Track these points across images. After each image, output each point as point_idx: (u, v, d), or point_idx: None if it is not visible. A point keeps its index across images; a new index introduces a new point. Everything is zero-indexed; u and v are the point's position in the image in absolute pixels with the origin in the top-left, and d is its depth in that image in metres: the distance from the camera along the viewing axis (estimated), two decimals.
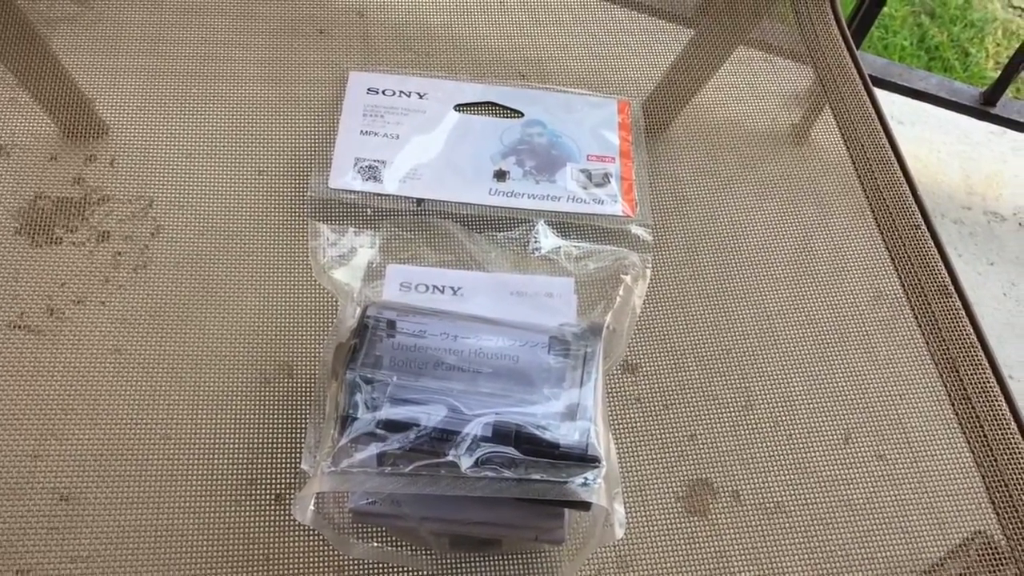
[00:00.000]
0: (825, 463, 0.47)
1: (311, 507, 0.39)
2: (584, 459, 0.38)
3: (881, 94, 1.04)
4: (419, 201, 0.52)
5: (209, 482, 0.43)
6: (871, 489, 0.46)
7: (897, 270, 0.53)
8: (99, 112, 0.55)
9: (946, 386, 0.50)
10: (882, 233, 0.55)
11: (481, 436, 0.38)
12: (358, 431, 0.38)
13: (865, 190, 0.57)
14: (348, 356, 0.40)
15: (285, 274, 0.50)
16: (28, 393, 0.45)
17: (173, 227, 0.51)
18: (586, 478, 0.37)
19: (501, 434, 0.38)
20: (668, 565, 0.43)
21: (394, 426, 0.38)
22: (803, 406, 0.49)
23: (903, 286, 0.53)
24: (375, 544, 0.42)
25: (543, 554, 0.42)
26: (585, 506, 0.38)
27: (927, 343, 0.51)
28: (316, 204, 0.52)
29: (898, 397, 0.49)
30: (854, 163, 0.58)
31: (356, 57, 0.59)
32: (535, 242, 0.50)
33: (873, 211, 0.56)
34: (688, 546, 0.44)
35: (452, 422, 0.38)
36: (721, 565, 0.44)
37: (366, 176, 0.52)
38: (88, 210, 0.51)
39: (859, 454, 0.47)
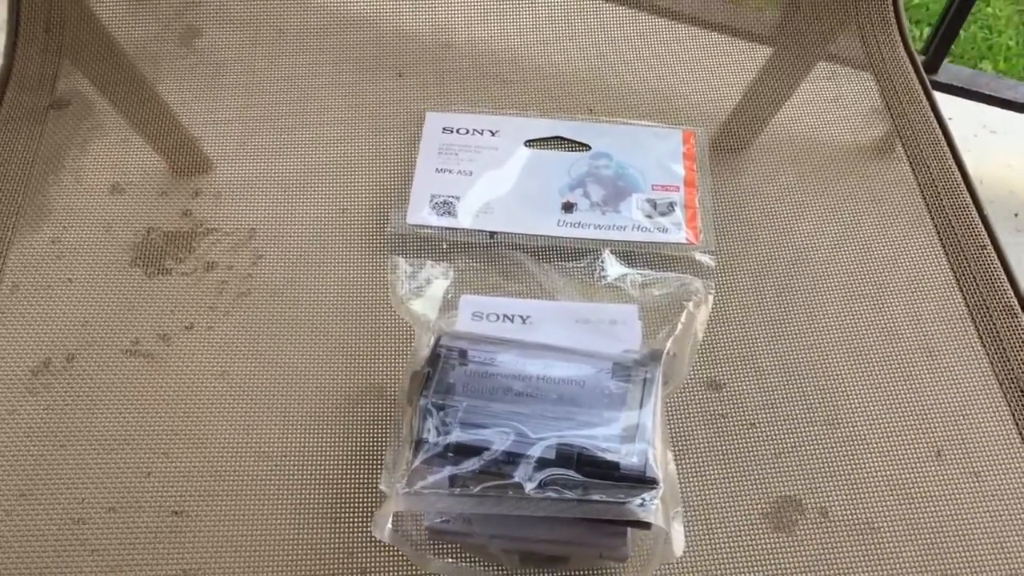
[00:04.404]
0: (916, 480, 0.47)
1: (388, 525, 0.41)
2: (643, 480, 0.39)
3: (970, 104, 1.02)
4: (492, 234, 0.54)
5: (305, 498, 0.45)
6: (965, 507, 0.46)
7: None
8: (204, 149, 0.58)
9: None
10: (947, 254, 0.55)
11: (545, 458, 0.39)
12: (429, 454, 0.40)
13: (930, 210, 0.57)
14: (422, 384, 0.42)
15: (371, 303, 0.52)
16: (142, 415, 0.47)
17: (273, 256, 0.53)
18: (643, 498, 0.39)
19: (564, 456, 0.39)
20: None
21: (463, 449, 0.40)
22: (890, 422, 0.48)
23: (969, 303, 0.53)
24: (450, 560, 0.44)
25: (610, 570, 0.44)
26: (646, 526, 0.39)
27: None
28: (395, 239, 0.54)
29: (991, 412, 0.49)
30: (919, 183, 0.58)
31: (432, 97, 0.61)
32: (601, 271, 0.52)
33: (938, 232, 0.56)
34: (774, 564, 0.44)
35: (518, 445, 0.40)
36: None
37: (441, 211, 0.54)
38: (196, 241, 0.54)
39: (952, 471, 0.47)
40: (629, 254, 0.53)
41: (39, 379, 0.48)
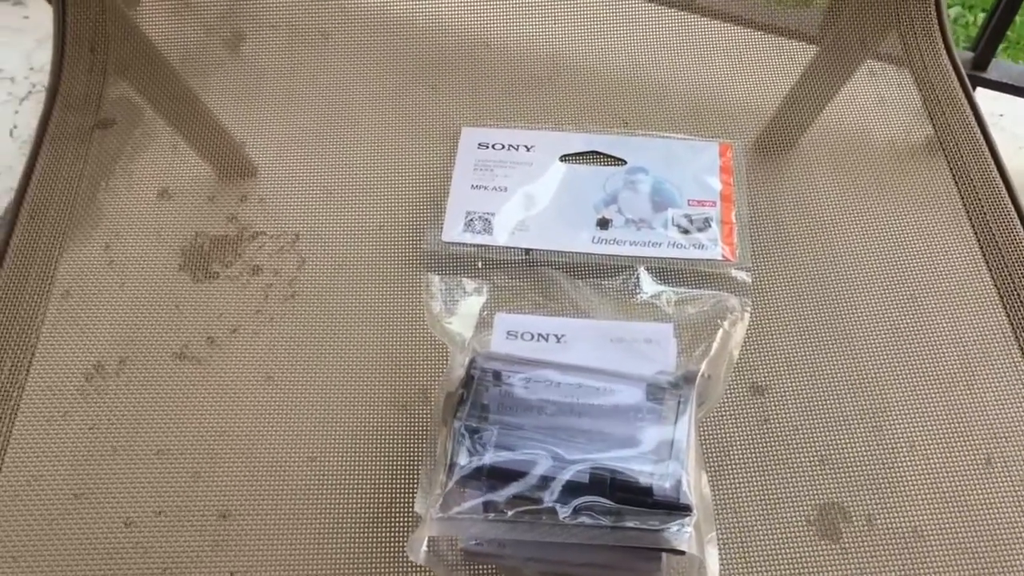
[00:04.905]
0: (963, 487, 0.46)
1: (423, 548, 0.41)
2: (676, 507, 0.39)
3: (1022, 101, 1.00)
4: (527, 251, 0.54)
5: (353, 501, 0.46)
6: (1014, 514, 0.45)
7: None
8: (249, 154, 0.59)
9: None
10: (989, 268, 0.54)
11: (578, 483, 0.40)
12: (462, 476, 0.40)
13: (972, 220, 0.56)
14: (456, 405, 0.42)
15: (410, 317, 0.52)
16: (191, 418, 0.48)
17: (317, 261, 0.54)
18: (677, 525, 0.39)
19: (597, 481, 0.40)
20: None
21: (497, 473, 0.40)
22: (935, 431, 0.48)
23: (1011, 315, 0.52)
24: None
25: None
26: (680, 552, 0.39)
27: None
28: (430, 256, 0.54)
29: None
30: (960, 192, 0.57)
31: (467, 110, 0.61)
32: (636, 288, 0.52)
33: (980, 243, 0.55)
34: (820, 572, 0.44)
35: (552, 469, 0.40)
36: None
37: (476, 229, 0.55)
38: (242, 246, 0.54)
39: (1002, 478, 0.46)
40: (664, 271, 0.53)
41: (92, 383, 0.49)
